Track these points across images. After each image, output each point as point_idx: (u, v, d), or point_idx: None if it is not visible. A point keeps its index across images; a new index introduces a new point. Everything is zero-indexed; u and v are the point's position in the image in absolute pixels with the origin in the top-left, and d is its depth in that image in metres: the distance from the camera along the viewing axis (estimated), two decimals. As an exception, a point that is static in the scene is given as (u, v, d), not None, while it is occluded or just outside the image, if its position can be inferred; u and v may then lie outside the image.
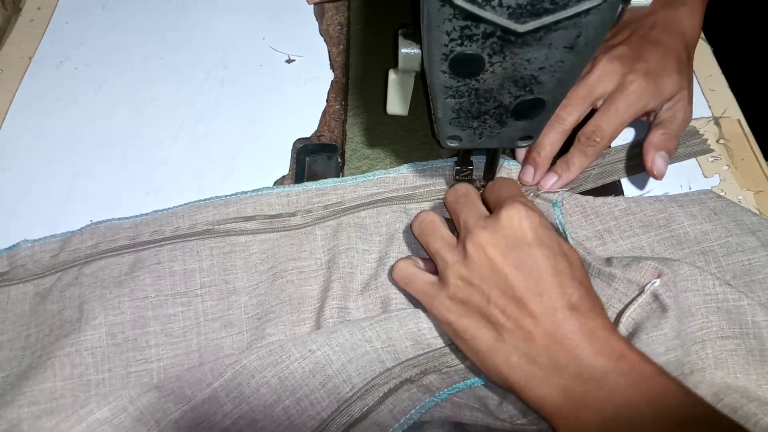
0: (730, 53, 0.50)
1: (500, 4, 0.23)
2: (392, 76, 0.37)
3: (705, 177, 0.42)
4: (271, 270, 0.38)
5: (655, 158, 0.37)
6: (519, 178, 0.40)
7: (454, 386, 0.31)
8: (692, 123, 0.42)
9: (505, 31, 0.24)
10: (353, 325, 0.33)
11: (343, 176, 0.43)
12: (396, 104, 0.39)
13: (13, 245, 0.39)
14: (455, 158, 0.41)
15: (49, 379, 0.33)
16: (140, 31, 0.52)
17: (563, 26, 0.24)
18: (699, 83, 0.47)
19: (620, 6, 0.24)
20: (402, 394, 0.31)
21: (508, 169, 0.41)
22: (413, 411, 0.30)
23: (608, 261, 0.35)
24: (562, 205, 0.39)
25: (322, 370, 0.31)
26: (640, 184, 0.42)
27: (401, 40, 0.32)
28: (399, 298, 0.36)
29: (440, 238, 0.34)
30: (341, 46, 0.51)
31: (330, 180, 0.41)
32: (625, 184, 0.42)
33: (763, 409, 0.29)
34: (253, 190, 0.40)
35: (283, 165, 0.44)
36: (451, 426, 0.31)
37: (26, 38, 0.52)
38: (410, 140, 0.45)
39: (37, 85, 0.49)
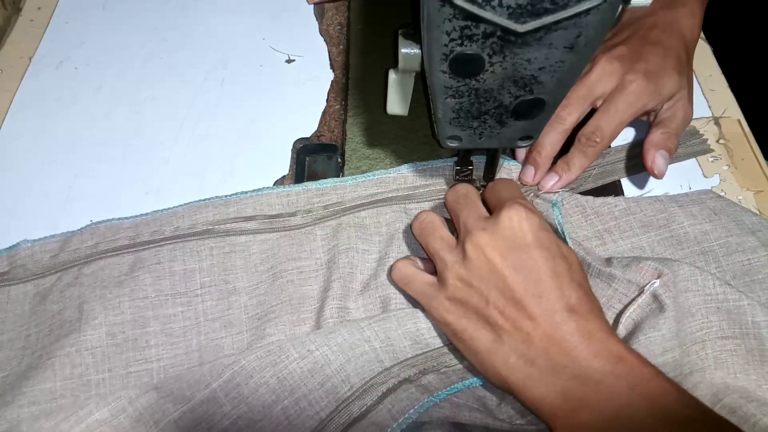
0: (730, 53, 0.50)
1: (500, 4, 0.23)
2: (392, 76, 0.37)
3: (705, 177, 0.42)
4: (271, 270, 0.38)
5: (655, 157, 0.37)
6: (519, 178, 0.40)
7: (452, 386, 0.32)
8: (692, 123, 0.42)
9: (505, 31, 0.24)
10: (352, 325, 0.33)
11: (343, 176, 0.43)
12: (396, 104, 0.39)
13: (13, 245, 0.39)
14: (455, 158, 0.41)
15: (49, 379, 0.33)
16: (140, 31, 0.52)
17: (563, 26, 0.24)
18: (699, 83, 0.47)
19: (620, 6, 0.24)
20: (400, 393, 0.31)
21: (508, 169, 0.41)
22: (412, 411, 0.30)
23: (608, 261, 0.35)
24: (562, 205, 0.39)
25: (320, 370, 0.31)
26: (640, 184, 0.42)
27: (401, 40, 0.32)
28: (399, 298, 0.36)
29: (440, 238, 0.34)
30: (341, 46, 0.51)
31: (330, 180, 0.41)
32: (625, 184, 0.42)
33: (762, 410, 0.29)
34: (253, 190, 0.40)
35: (283, 165, 0.44)
36: (450, 426, 0.31)
37: (26, 38, 0.52)
38: (410, 140, 0.45)
39: (37, 85, 0.49)
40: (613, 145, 0.43)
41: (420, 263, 0.36)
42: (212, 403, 0.31)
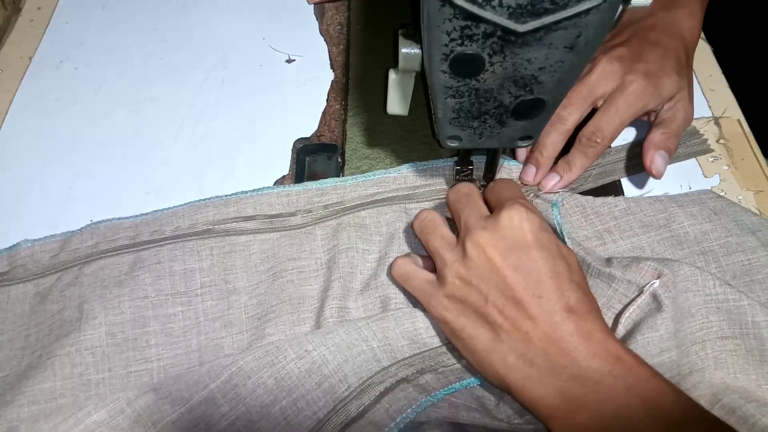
0: (730, 53, 0.50)
1: (500, 4, 0.23)
2: (392, 76, 0.37)
3: (705, 177, 0.42)
4: (271, 270, 0.38)
5: (654, 157, 0.37)
6: (520, 178, 0.40)
7: (450, 386, 0.32)
8: (692, 123, 0.42)
9: (506, 31, 0.24)
10: (349, 325, 0.33)
11: (343, 176, 0.43)
12: (396, 104, 0.39)
13: (13, 245, 0.39)
14: (455, 158, 0.41)
15: (48, 379, 0.33)
16: (140, 31, 0.52)
17: (563, 26, 0.24)
18: (699, 83, 0.47)
19: (620, 6, 0.24)
20: (398, 393, 0.31)
21: (509, 169, 0.41)
22: (409, 410, 0.30)
23: (608, 261, 0.35)
24: (562, 205, 0.39)
25: (318, 370, 0.31)
26: (640, 184, 0.42)
27: (401, 40, 0.32)
28: (398, 298, 0.36)
29: (440, 237, 0.34)
30: (341, 46, 0.51)
31: (330, 180, 0.41)
32: (625, 184, 0.42)
33: (761, 410, 0.29)
34: (253, 190, 0.40)
35: (283, 165, 0.44)
36: (449, 426, 0.31)
37: (26, 38, 0.52)
38: (410, 140, 0.45)
39: (37, 85, 0.49)
40: (613, 145, 0.43)
41: (420, 261, 0.36)
42: (210, 403, 0.31)
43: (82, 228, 0.39)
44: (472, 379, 0.32)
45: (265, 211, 0.40)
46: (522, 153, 0.41)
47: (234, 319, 0.36)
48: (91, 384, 0.34)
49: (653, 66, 0.38)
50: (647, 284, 0.33)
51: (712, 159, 0.43)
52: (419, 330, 0.34)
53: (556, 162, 0.40)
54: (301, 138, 0.45)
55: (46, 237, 0.39)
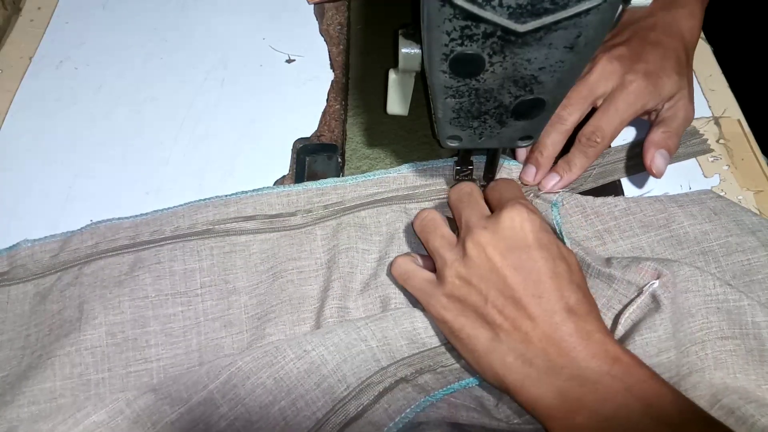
0: (730, 53, 0.50)
1: (500, 4, 0.23)
2: (392, 76, 0.37)
3: (705, 177, 0.42)
4: (271, 270, 0.38)
5: (654, 156, 0.37)
6: (520, 178, 0.40)
7: (449, 387, 0.32)
8: (692, 123, 0.42)
9: (506, 31, 0.24)
10: (348, 325, 0.33)
11: (343, 176, 0.43)
12: (396, 104, 0.39)
13: (13, 245, 0.39)
14: (455, 158, 0.41)
15: (48, 379, 0.33)
16: (140, 31, 0.52)
17: (563, 26, 0.24)
18: (699, 83, 0.47)
19: (620, 6, 0.24)
20: (397, 393, 0.31)
21: (509, 169, 0.41)
22: (408, 410, 0.30)
23: (608, 262, 0.35)
24: (562, 205, 0.39)
25: (317, 370, 0.31)
26: (640, 184, 0.42)
27: (401, 40, 0.33)
28: (398, 298, 0.36)
29: (440, 236, 0.34)
30: (341, 46, 0.51)
31: (330, 180, 0.41)
32: (625, 184, 0.42)
33: (760, 411, 0.29)
34: (253, 190, 0.40)
35: (283, 165, 0.44)
36: (448, 426, 0.31)
37: (26, 38, 0.52)
38: (410, 140, 0.45)
39: (37, 85, 0.49)
40: (613, 144, 0.43)
41: (420, 260, 0.36)
42: (209, 404, 0.31)
43: (82, 228, 0.39)
44: (471, 379, 0.32)
45: (265, 211, 0.40)
46: (522, 153, 0.41)
47: (234, 319, 0.36)
48: (90, 384, 0.34)
49: (653, 66, 0.38)
50: (647, 284, 0.33)
51: (712, 159, 0.43)
52: (418, 330, 0.34)
53: (556, 162, 0.40)
54: (301, 138, 0.45)
55: (46, 237, 0.39)
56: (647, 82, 0.37)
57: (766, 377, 0.31)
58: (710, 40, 0.49)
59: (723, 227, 0.37)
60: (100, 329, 0.35)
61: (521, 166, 0.41)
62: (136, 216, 0.40)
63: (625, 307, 0.33)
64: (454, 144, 0.34)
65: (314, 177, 0.42)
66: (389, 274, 0.36)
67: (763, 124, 0.46)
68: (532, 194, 0.40)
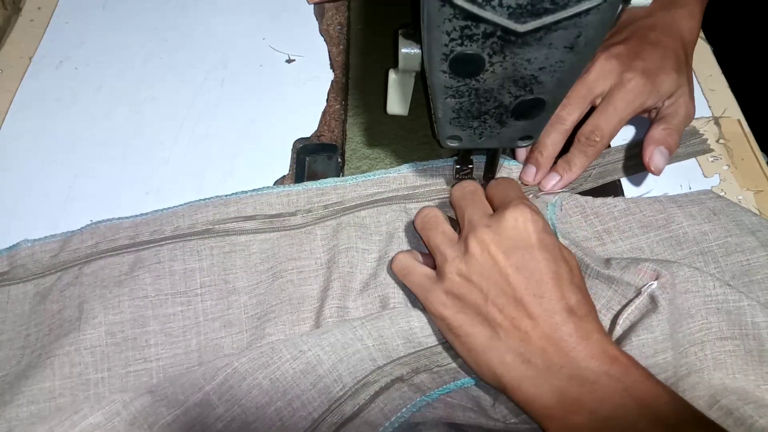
0: (730, 53, 0.50)
1: (500, 4, 0.23)
2: (392, 76, 0.37)
3: (705, 177, 0.42)
4: (271, 270, 0.38)
5: (653, 153, 0.37)
6: (520, 178, 0.40)
7: (444, 387, 0.32)
8: (692, 123, 0.42)
9: (506, 31, 0.24)
10: (344, 325, 0.33)
11: (343, 176, 0.43)
12: (396, 104, 0.39)
13: (14, 245, 0.39)
14: (455, 158, 0.41)
15: (48, 378, 0.33)
16: (140, 31, 0.52)
17: (563, 26, 0.24)
18: (699, 83, 0.47)
19: (620, 6, 0.24)
20: (393, 392, 0.31)
21: (509, 168, 0.41)
22: (404, 409, 0.30)
23: (607, 262, 0.35)
24: (562, 205, 0.39)
25: (312, 371, 0.31)
26: (640, 184, 0.42)
27: (401, 40, 0.33)
28: (397, 297, 0.36)
29: (441, 233, 0.34)
30: (341, 46, 0.51)
31: (330, 180, 0.41)
32: (625, 184, 0.42)
33: (759, 411, 0.29)
34: (253, 190, 0.40)
35: (283, 165, 0.44)
36: (445, 426, 0.31)
37: (26, 38, 0.52)
38: (410, 140, 0.45)
39: (37, 85, 0.49)
40: (612, 144, 0.43)
41: (420, 258, 0.36)
42: (206, 405, 0.31)
43: (82, 228, 0.39)
44: (467, 379, 0.32)
45: (265, 211, 0.40)
46: (522, 153, 0.41)
47: (234, 318, 0.36)
48: (90, 383, 0.34)
49: (651, 64, 0.38)
50: (645, 285, 0.33)
51: (712, 159, 0.43)
52: (414, 329, 0.34)
53: (555, 161, 0.40)
54: (301, 138, 0.45)
55: (46, 237, 0.39)
56: (646, 80, 0.37)
57: (765, 378, 0.31)
58: (710, 40, 0.49)
59: (722, 227, 0.37)
60: (100, 329, 0.35)
61: (521, 166, 0.41)
62: (136, 216, 0.40)
63: (624, 307, 0.33)
64: (454, 144, 0.34)
65: (314, 177, 0.42)
66: (389, 270, 0.36)
67: (763, 124, 0.46)
68: (531, 194, 0.40)
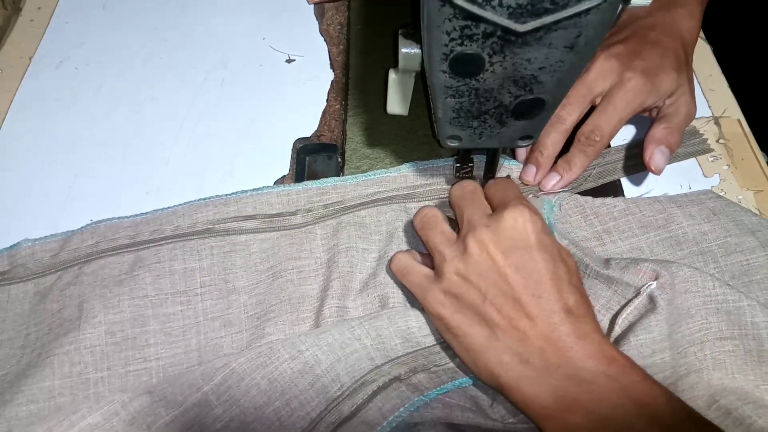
0: (730, 53, 0.50)
1: (500, 4, 0.23)
2: (392, 76, 0.37)
3: (705, 177, 0.42)
4: (271, 269, 0.38)
5: (654, 153, 0.37)
6: (520, 178, 0.40)
7: (443, 386, 0.32)
8: (692, 123, 0.42)
9: (505, 30, 0.24)
10: (343, 325, 0.33)
11: (343, 176, 0.43)
12: (396, 104, 0.39)
13: (14, 244, 0.39)
14: (455, 157, 0.41)
15: (47, 378, 0.33)
16: (140, 31, 0.52)
17: (563, 26, 0.24)
18: (699, 83, 0.47)
19: (620, 6, 0.24)
20: (391, 392, 0.31)
21: (509, 169, 0.41)
22: (402, 409, 0.30)
23: (607, 262, 0.35)
24: (561, 205, 0.39)
25: (310, 370, 0.31)
26: (640, 184, 0.42)
27: (401, 40, 0.33)
28: (397, 297, 0.36)
29: (440, 232, 0.34)
30: (341, 46, 0.51)
31: (330, 179, 0.41)
32: (625, 184, 0.42)
33: (758, 412, 0.29)
34: (254, 189, 0.40)
35: (283, 165, 0.44)
36: (444, 426, 0.31)
37: (26, 38, 0.52)
38: (410, 140, 0.45)
39: (37, 85, 0.49)
40: (612, 144, 0.43)
41: (419, 257, 0.36)
42: (204, 406, 0.31)
43: (82, 227, 0.39)
44: (465, 378, 0.32)
45: (265, 211, 0.40)
46: (522, 153, 0.41)
47: (233, 318, 0.36)
48: (89, 383, 0.34)
49: (651, 63, 0.38)
50: (644, 285, 0.33)
51: (712, 159, 0.43)
52: (412, 329, 0.34)
53: (555, 161, 0.40)
54: (301, 138, 0.45)
55: (46, 236, 0.39)
56: (645, 79, 0.37)
57: (764, 378, 0.31)
58: (710, 40, 0.49)
59: (722, 227, 0.37)
60: (100, 328, 0.35)
61: (521, 165, 0.41)
62: (136, 215, 0.40)
63: (623, 308, 0.33)
64: (454, 144, 0.34)
65: (314, 177, 0.42)
66: (389, 269, 0.36)
67: (763, 124, 0.46)
68: (531, 194, 0.40)
